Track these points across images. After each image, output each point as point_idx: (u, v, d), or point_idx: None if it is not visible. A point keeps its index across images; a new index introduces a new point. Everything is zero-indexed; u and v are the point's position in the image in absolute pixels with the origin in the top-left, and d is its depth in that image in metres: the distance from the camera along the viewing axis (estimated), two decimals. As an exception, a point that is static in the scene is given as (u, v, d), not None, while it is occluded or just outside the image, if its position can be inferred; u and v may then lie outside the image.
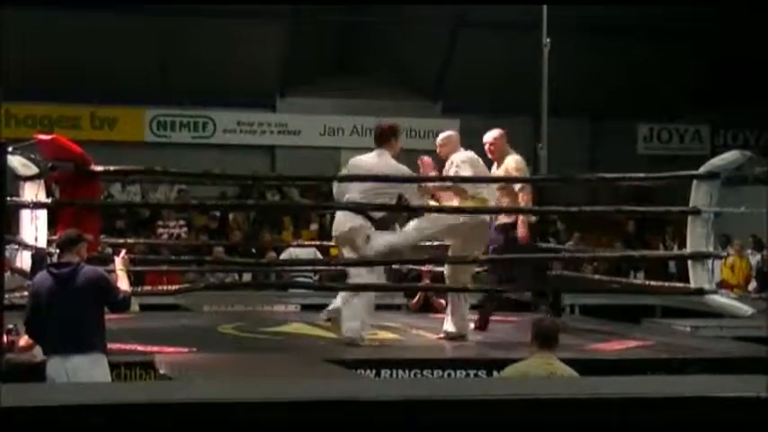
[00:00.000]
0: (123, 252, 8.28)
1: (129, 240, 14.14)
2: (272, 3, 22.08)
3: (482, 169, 10.34)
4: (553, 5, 15.98)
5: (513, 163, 10.96)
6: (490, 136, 11.10)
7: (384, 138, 10.26)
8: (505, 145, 11.10)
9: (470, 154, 10.28)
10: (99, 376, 7.20)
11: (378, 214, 9.85)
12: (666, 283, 12.26)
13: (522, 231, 10.79)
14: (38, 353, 7.76)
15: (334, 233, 10.06)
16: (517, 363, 7.05)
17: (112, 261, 8.07)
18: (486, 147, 11.05)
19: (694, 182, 10.01)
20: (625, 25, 22.95)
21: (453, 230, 10.07)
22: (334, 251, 14.65)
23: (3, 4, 17.84)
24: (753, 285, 17.49)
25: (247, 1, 21.63)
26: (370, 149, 10.50)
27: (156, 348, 8.65)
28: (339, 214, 10.04)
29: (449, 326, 10.27)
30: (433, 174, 10.47)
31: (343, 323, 9.67)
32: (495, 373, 8.12)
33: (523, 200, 10.89)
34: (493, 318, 11.60)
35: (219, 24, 22.42)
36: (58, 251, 7.70)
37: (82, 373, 7.14)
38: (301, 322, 10.78)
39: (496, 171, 11.02)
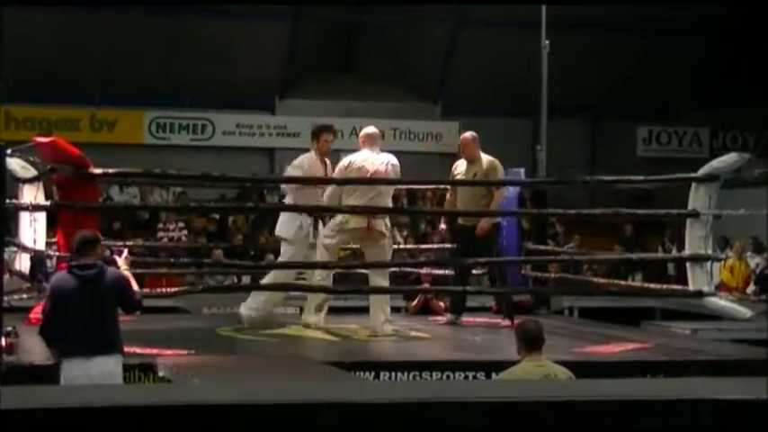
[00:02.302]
0: (126, 252, 8.28)
1: (128, 242, 14.14)
2: (273, 3, 22.08)
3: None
4: (552, 6, 16.01)
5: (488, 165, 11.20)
6: (462, 138, 11.44)
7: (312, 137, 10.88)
8: (478, 147, 11.22)
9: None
10: (119, 378, 7.20)
11: None
12: (665, 286, 12.27)
13: (483, 225, 10.98)
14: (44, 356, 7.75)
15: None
16: (509, 368, 7.03)
17: (113, 262, 8.03)
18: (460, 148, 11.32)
19: (693, 184, 10.02)
20: (624, 27, 22.96)
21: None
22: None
23: (2, 4, 17.84)
24: (752, 288, 17.48)
25: (248, 1, 21.64)
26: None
27: (155, 351, 8.65)
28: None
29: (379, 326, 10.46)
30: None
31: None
32: (494, 375, 8.12)
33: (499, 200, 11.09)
34: (491, 320, 11.61)
35: (219, 26, 22.45)
36: (75, 253, 7.59)
37: (106, 374, 7.12)
38: (300, 325, 10.77)
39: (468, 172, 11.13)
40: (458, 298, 11.59)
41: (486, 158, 11.31)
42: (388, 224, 10.67)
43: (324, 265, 10.66)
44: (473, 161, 11.27)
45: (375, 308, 10.52)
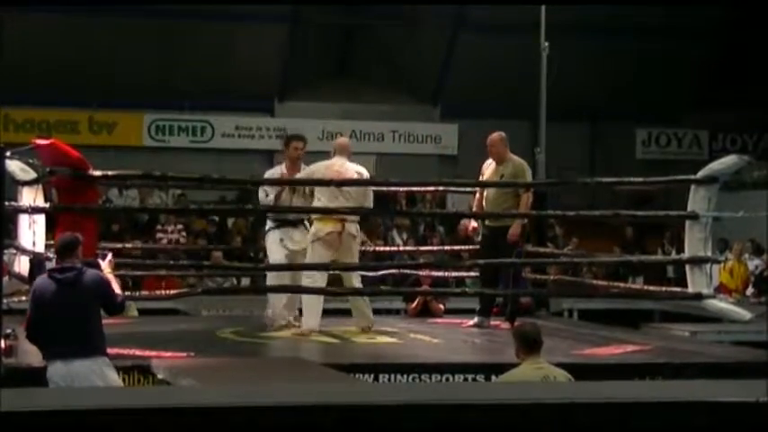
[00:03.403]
0: (110, 255, 8.27)
1: (128, 245, 14.14)
2: (272, 3, 22.08)
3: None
4: (552, 7, 15.99)
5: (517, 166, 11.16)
6: (489, 138, 11.27)
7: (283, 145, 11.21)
8: (505, 147, 11.20)
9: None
10: (102, 380, 7.19)
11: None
12: (665, 288, 12.26)
13: (513, 231, 10.91)
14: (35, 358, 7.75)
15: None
16: (509, 371, 7.04)
17: (97, 264, 8.01)
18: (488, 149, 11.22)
19: (692, 186, 10.01)
20: (624, 30, 22.96)
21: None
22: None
23: (2, 5, 17.83)
24: (750, 290, 17.49)
25: (248, 1, 21.64)
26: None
27: (154, 353, 8.64)
28: None
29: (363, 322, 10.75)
30: None
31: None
32: (493, 377, 8.13)
33: (526, 203, 11.05)
34: (491, 322, 11.59)
35: (218, 28, 22.44)
36: (56, 256, 7.65)
37: (86, 377, 7.12)
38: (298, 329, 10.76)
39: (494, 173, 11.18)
40: (486, 299, 11.53)
41: (515, 160, 11.22)
42: (358, 228, 10.76)
43: (325, 267, 10.69)
44: (501, 162, 11.18)
45: (357, 308, 10.78)
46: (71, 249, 7.46)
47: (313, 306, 10.54)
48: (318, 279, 10.57)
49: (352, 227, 10.54)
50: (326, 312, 11.39)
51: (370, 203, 10.77)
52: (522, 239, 11.09)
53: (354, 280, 10.86)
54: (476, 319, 11.46)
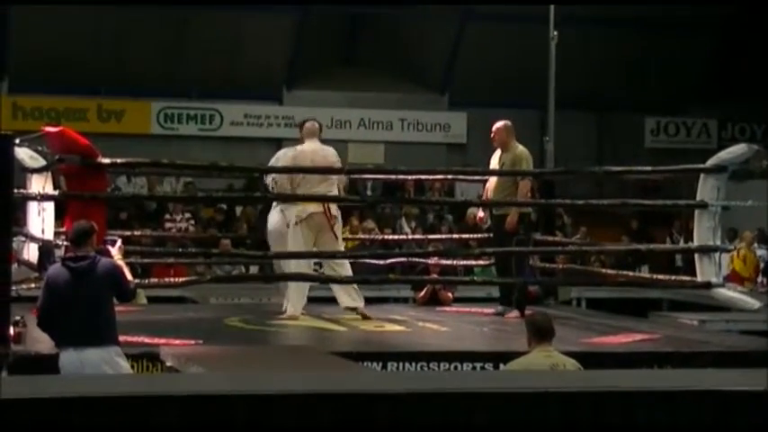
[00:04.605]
0: (119, 242, 8.28)
1: (136, 233, 14.15)
2: (278, 3, 22.11)
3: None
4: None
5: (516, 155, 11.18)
6: (494, 126, 11.34)
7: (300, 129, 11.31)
8: (509, 136, 11.18)
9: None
10: (112, 369, 7.21)
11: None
12: (673, 277, 12.25)
13: (510, 219, 10.92)
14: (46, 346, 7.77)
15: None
16: (518, 358, 7.05)
17: (107, 252, 8.01)
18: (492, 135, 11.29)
19: (701, 175, 10.00)
20: (632, 19, 22.91)
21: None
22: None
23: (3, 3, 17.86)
24: (759, 279, 17.46)
25: (252, 1, 21.69)
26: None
27: (162, 341, 8.65)
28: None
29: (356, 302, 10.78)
30: None
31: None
32: (501, 365, 8.13)
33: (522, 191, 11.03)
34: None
35: (227, 17, 22.43)
36: (70, 244, 7.65)
37: (97, 365, 7.14)
38: (308, 315, 10.78)
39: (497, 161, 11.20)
40: (505, 289, 11.54)
41: (516, 148, 11.22)
42: (338, 207, 10.95)
43: (332, 255, 10.71)
44: (505, 150, 11.23)
45: (340, 291, 10.81)
46: (85, 237, 7.46)
47: (299, 291, 10.63)
48: (303, 265, 10.72)
49: (333, 207, 10.73)
50: (324, 301, 11.43)
51: (344, 182, 11.11)
52: (521, 227, 11.08)
53: (340, 267, 10.88)
54: (498, 308, 11.48)
